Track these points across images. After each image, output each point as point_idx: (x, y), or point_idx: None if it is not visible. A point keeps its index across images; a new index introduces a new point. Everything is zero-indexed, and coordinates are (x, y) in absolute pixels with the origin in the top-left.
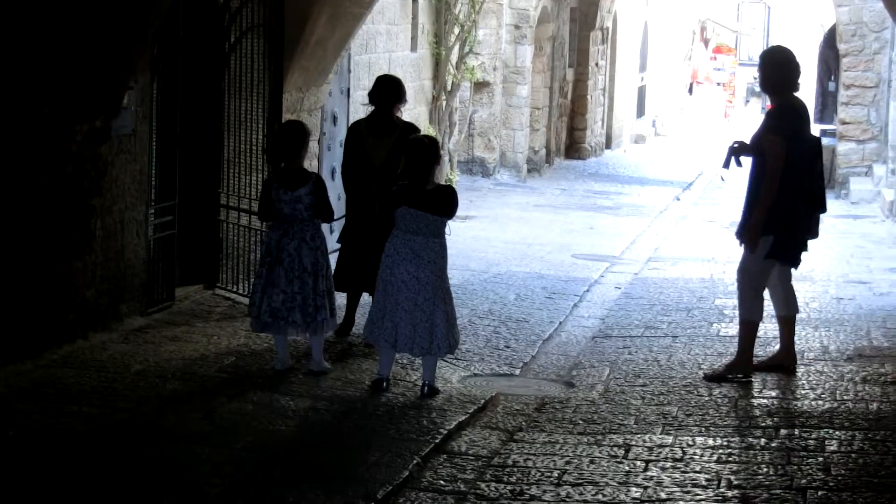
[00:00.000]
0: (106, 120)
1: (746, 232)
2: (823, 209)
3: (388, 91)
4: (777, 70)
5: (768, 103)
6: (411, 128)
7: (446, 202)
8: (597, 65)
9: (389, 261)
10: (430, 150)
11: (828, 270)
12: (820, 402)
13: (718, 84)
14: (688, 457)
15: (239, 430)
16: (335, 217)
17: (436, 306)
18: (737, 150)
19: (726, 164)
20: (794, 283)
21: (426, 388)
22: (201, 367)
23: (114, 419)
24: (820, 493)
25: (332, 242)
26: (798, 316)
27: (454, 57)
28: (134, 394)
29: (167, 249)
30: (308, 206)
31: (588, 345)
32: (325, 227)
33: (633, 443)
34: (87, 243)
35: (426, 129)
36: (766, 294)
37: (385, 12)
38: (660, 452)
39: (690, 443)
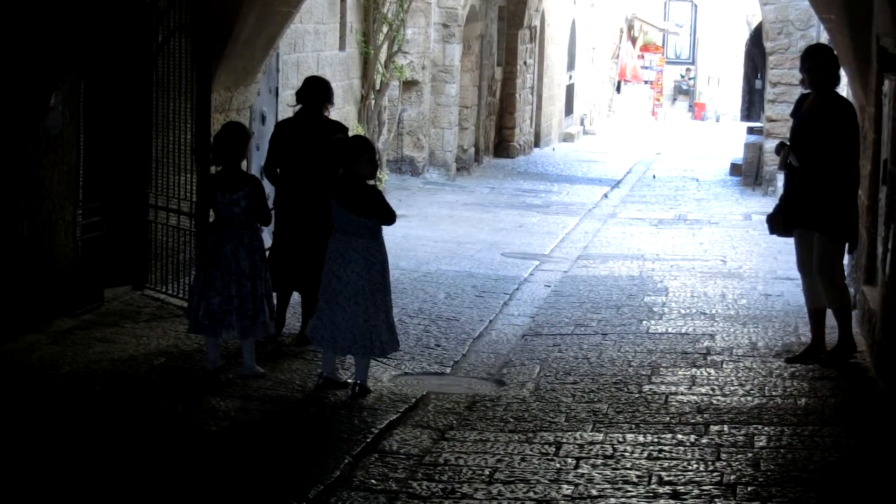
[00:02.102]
0: (32, 120)
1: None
2: None
3: (317, 91)
4: (833, 66)
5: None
6: (339, 127)
7: (371, 207)
8: (525, 63)
9: (329, 261)
10: (352, 148)
11: (756, 267)
12: (749, 399)
13: (646, 82)
14: (618, 454)
15: (169, 431)
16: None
17: (376, 307)
18: (788, 151)
19: (782, 165)
20: (722, 280)
21: (357, 387)
22: (131, 369)
23: (41, 422)
24: (749, 488)
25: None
26: (726, 312)
27: (383, 56)
28: (63, 396)
29: (95, 250)
30: (245, 210)
31: (518, 343)
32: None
33: (564, 440)
34: (15, 245)
35: (355, 128)
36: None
37: (313, 11)
38: (590, 450)
39: (621, 440)
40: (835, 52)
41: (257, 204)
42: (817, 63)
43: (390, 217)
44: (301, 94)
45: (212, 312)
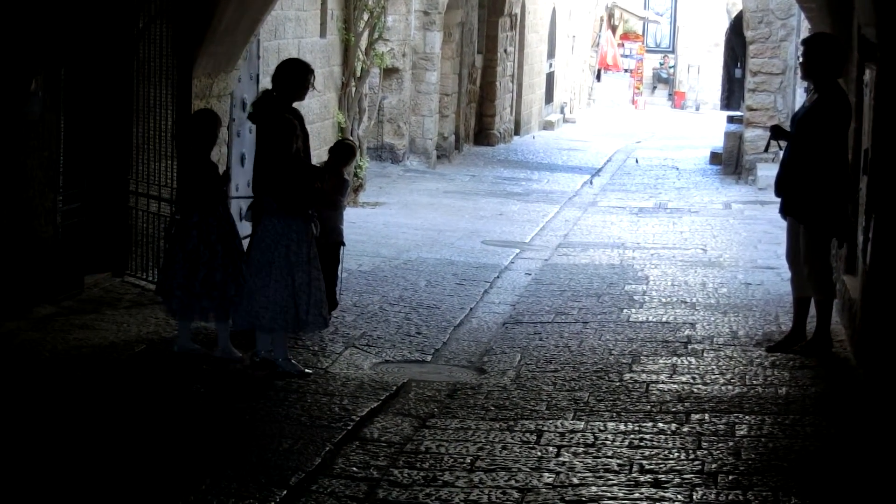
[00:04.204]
0: (13, 106)
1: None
2: None
3: (293, 78)
4: (827, 57)
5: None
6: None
7: (268, 182)
8: (505, 51)
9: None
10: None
11: (736, 256)
12: (730, 387)
13: (626, 71)
14: (599, 442)
15: (150, 417)
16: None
17: (270, 282)
18: (776, 134)
19: (766, 148)
20: (702, 269)
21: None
22: (112, 355)
23: (22, 408)
24: (730, 477)
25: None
26: (707, 301)
27: (363, 43)
28: (44, 382)
29: (76, 236)
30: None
31: (499, 331)
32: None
33: (545, 428)
34: None
35: (335, 115)
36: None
37: None
38: (572, 438)
39: (602, 428)
40: (834, 42)
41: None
42: (809, 54)
43: (276, 196)
44: (276, 81)
45: (196, 296)
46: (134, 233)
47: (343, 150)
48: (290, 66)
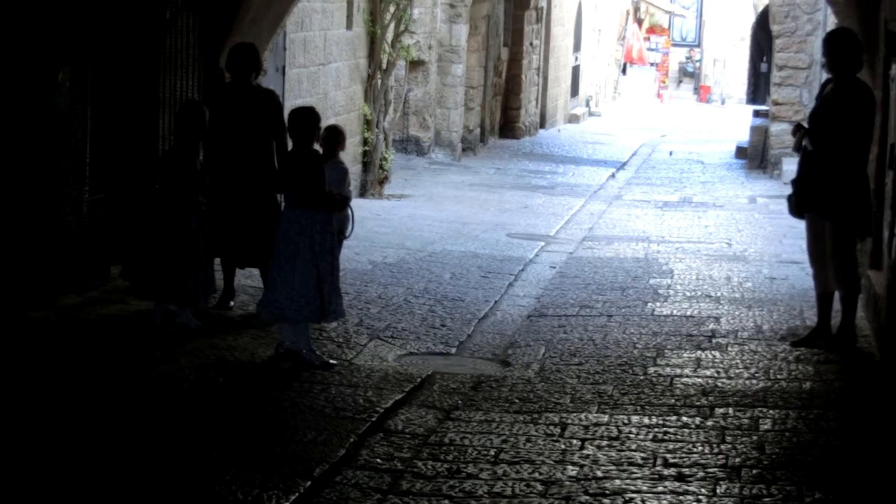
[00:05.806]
0: (40, 96)
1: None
2: None
3: (246, 60)
4: (852, 51)
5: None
6: (271, 95)
7: (289, 176)
8: (531, 44)
9: None
10: (302, 120)
11: (761, 250)
12: (754, 382)
13: (652, 64)
14: (623, 435)
15: (176, 408)
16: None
17: (300, 274)
18: (804, 134)
19: (796, 147)
20: (727, 263)
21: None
22: (137, 345)
23: (46, 398)
24: (754, 471)
25: None
26: (731, 295)
27: (389, 35)
28: (68, 371)
29: (102, 227)
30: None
31: (523, 324)
32: None
33: (569, 421)
34: (22, 221)
35: (361, 107)
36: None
37: None
38: (596, 431)
39: (626, 421)
40: (857, 36)
41: None
42: (835, 48)
43: (300, 192)
44: (229, 64)
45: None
46: None
47: (331, 134)
48: (242, 49)
